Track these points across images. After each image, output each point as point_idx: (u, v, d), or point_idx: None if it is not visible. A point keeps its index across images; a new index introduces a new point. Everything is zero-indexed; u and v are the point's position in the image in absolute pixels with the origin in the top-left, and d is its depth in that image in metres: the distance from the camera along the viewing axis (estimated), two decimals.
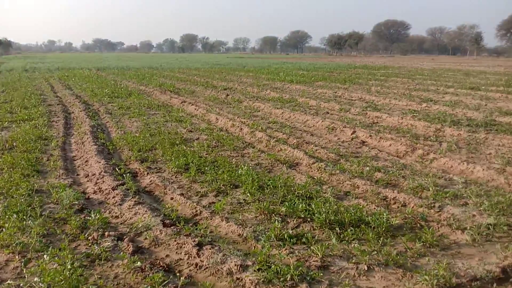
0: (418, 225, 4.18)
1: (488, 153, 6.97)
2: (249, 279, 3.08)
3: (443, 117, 9.91)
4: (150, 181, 5.55)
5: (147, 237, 3.88)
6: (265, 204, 4.53)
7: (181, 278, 3.14)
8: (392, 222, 4.08)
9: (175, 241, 3.76)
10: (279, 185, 5.06)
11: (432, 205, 4.57)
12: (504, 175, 5.64)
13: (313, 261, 3.43)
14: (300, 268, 3.20)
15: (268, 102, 13.56)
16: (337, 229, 4.00)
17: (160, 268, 3.31)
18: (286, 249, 3.63)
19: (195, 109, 11.96)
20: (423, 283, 3.05)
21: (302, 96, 14.90)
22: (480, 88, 16.86)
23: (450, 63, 48.46)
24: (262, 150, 7.33)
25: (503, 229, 4.04)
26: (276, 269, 3.17)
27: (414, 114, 10.52)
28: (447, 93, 15.16)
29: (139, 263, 3.31)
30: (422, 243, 3.72)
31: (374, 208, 4.47)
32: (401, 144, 7.39)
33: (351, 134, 8.51)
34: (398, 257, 3.45)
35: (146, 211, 4.40)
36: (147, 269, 3.25)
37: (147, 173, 5.86)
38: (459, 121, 9.57)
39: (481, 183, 5.46)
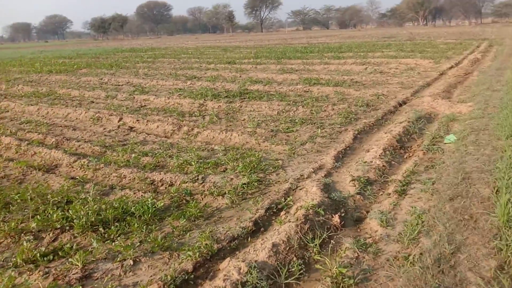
0: (184, 201, 4.28)
1: (242, 119, 7.81)
2: None
3: (205, 92, 10.57)
4: None
5: None
6: (12, 224, 3.78)
7: None
8: (158, 205, 4.04)
9: None
10: (29, 197, 4.31)
11: (196, 178, 4.76)
12: (255, 136, 6.42)
13: (73, 274, 3.05)
14: None
15: (21, 98, 11.60)
16: (101, 229, 3.68)
17: None
18: (40, 271, 3.10)
19: None
20: (188, 259, 3.11)
21: (63, 87, 13.39)
22: (235, 61, 18.86)
23: (211, 41, 52.61)
24: (10, 158, 6.15)
25: (255, 185, 4.55)
26: None
27: (180, 93, 10.86)
28: (209, 69, 16.32)
29: None
30: (187, 219, 3.82)
31: (141, 196, 4.34)
32: (168, 124, 7.48)
33: (118, 121, 8.10)
34: (164, 240, 3.43)
35: None
36: None
37: None
38: (219, 94, 10.40)
39: (238, 147, 6.05)
